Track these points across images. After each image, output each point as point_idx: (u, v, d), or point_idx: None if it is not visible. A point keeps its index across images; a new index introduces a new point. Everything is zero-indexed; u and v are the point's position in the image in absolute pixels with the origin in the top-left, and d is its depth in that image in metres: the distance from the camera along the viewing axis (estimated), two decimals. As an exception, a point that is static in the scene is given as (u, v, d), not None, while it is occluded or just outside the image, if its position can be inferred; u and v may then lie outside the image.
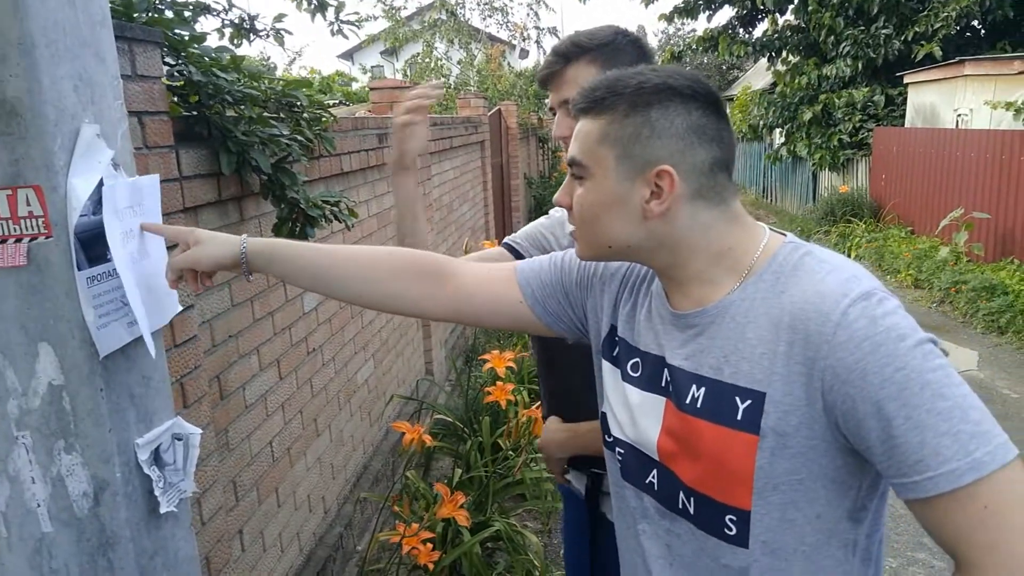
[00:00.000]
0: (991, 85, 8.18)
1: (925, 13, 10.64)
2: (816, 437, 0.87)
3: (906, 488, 0.81)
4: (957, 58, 9.10)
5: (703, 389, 0.95)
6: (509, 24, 12.87)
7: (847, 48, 11.15)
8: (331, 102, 8.53)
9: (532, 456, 3.39)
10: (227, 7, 2.38)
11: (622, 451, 1.07)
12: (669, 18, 13.98)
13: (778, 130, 13.46)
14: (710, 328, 0.96)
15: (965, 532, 0.79)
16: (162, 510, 1.07)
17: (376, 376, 3.41)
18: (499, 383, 2.61)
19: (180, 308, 1.21)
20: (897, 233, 9.44)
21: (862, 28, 11.11)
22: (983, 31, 11.39)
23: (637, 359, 1.05)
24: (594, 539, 1.59)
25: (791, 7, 12.42)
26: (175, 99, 1.76)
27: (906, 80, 10.55)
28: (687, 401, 0.96)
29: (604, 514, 1.53)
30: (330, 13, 2.79)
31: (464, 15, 12.57)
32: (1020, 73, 7.67)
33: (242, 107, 1.87)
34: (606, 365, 1.11)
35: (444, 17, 12.44)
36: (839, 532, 0.91)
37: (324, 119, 2.35)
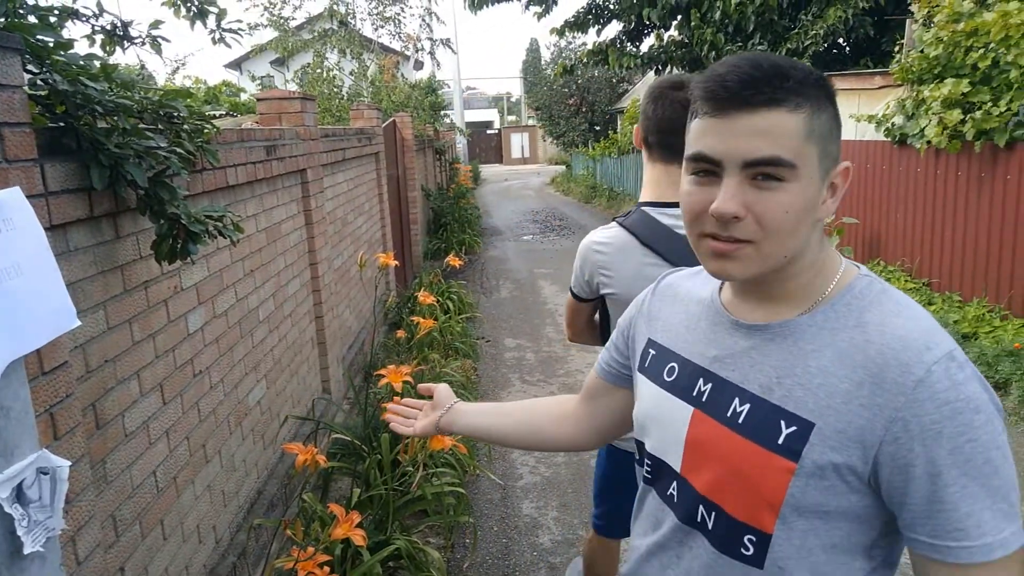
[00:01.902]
0: (855, 99, 8.78)
1: (796, 31, 11.34)
2: (854, 476, 0.86)
3: (935, 549, 0.83)
4: (825, 73, 9.72)
5: (747, 405, 0.93)
6: (402, 35, 12.79)
7: (727, 63, 11.70)
8: (217, 113, 8.22)
9: (433, 471, 3.36)
10: (97, 12, 2.26)
11: (650, 462, 1.07)
12: (560, 32, 14.29)
13: (666, 141, 13.93)
14: (768, 345, 0.93)
15: None
16: (26, 550, 0.98)
17: (269, 397, 3.29)
18: (396, 398, 2.57)
19: (77, 323, 1.13)
20: (777, 239, 9.94)
21: (740, 44, 11.71)
22: (848, 48, 12.23)
23: (674, 364, 1.04)
24: None
25: (675, 23, 12.94)
26: (40, 109, 1.65)
27: (781, 94, 11.16)
28: (728, 414, 0.94)
29: None
30: (211, 20, 2.69)
31: (355, 25, 12.41)
32: (881, 88, 8.27)
33: (115, 118, 1.77)
34: (640, 378, 1.12)
35: (335, 27, 12.24)
36: (851, 564, 0.91)
37: (206, 131, 2.26)
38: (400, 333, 5.17)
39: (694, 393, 0.99)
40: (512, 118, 51.49)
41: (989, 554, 0.81)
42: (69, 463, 1.06)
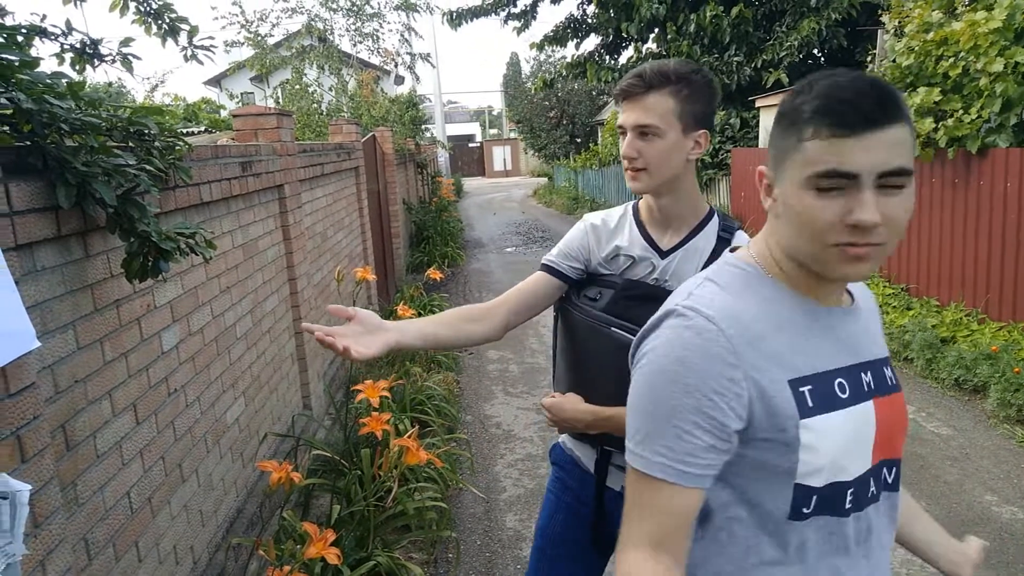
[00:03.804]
0: (831, 108, 8.87)
1: (771, 42, 11.48)
2: None
3: None
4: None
5: (887, 368, 1.08)
6: (380, 50, 12.79)
7: (704, 74, 11.82)
8: (196, 130, 8.17)
9: (415, 486, 3.34)
10: (66, 31, 2.24)
11: (853, 488, 1.00)
12: (540, 46, 14.40)
13: (646, 152, 14.03)
14: (856, 312, 1.07)
15: None
16: (-14, 578, 0.97)
17: (247, 414, 3.26)
18: (374, 413, 2.56)
19: (37, 344, 1.12)
20: (758, 247, 10.00)
21: (716, 56, 11.84)
22: (823, 59, 12.39)
23: (840, 379, 1.01)
24: (600, 507, 1.77)
25: (652, 36, 13.07)
26: (5, 128, 1.63)
27: (757, 104, 11.28)
28: (890, 384, 1.06)
29: (610, 487, 1.74)
30: (183, 38, 2.68)
31: (334, 41, 12.40)
32: (855, 97, 8.36)
33: (83, 136, 1.75)
34: (813, 423, 0.97)
35: (315, 43, 12.24)
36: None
37: (178, 148, 2.25)
38: (381, 348, 5.14)
39: (865, 389, 1.03)
40: (494, 131, 51.64)
41: None
42: (29, 487, 1.05)
